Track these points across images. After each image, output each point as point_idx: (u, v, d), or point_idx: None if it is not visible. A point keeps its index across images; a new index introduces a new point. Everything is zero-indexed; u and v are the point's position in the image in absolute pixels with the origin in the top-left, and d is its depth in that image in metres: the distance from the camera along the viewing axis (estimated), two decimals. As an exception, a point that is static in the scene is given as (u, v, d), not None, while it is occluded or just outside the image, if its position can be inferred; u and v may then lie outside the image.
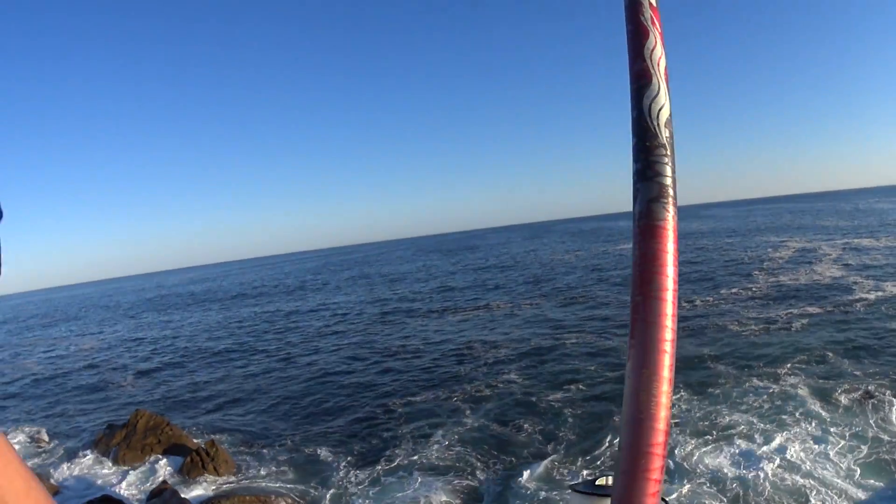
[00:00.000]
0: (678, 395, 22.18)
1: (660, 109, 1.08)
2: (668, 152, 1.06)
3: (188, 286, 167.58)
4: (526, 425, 21.97)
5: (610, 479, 1.41)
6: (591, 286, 54.13)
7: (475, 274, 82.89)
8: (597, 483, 1.43)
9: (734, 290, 42.38)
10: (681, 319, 33.81)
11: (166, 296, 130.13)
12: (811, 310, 33.38)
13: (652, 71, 1.10)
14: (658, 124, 1.07)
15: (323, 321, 54.14)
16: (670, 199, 1.05)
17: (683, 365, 24.98)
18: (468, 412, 24.00)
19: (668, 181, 1.06)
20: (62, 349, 58.59)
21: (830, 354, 25.16)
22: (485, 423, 22.63)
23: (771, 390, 21.82)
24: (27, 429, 28.57)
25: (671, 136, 1.08)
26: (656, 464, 0.98)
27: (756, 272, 50.05)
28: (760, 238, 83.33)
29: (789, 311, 33.86)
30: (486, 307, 49.77)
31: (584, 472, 17.20)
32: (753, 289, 42.20)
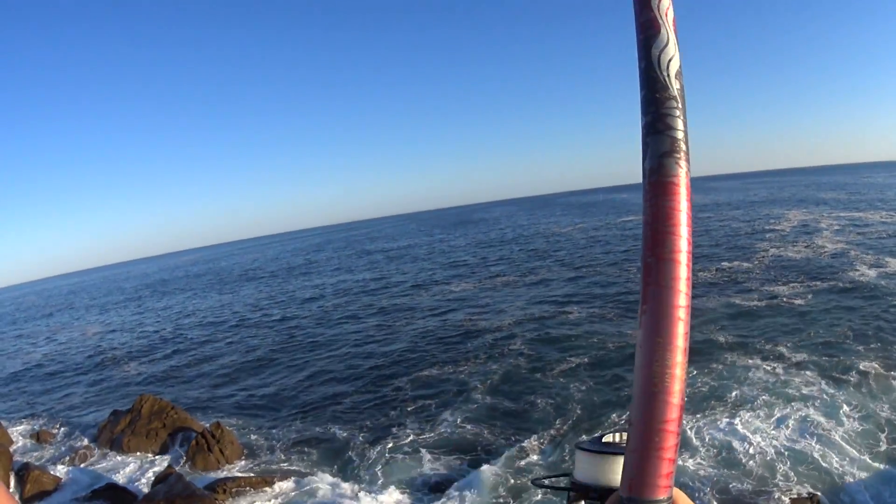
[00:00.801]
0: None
1: (669, 60, 1.02)
2: (680, 105, 1.00)
3: (191, 268, 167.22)
4: (533, 399, 21.99)
5: (617, 436, 1.36)
6: (594, 259, 53.99)
7: (478, 247, 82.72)
8: (603, 440, 1.38)
9: (735, 263, 42.25)
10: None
11: (168, 279, 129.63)
12: (813, 284, 33.16)
13: (660, 21, 1.03)
14: (668, 76, 1.00)
15: (326, 299, 54.03)
16: (683, 154, 1.00)
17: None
18: (475, 386, 24.02)
19: (681, 135, 1.00)
20: (65, 338, 58.53)
21: (833, 329, 25.03)
22: (491, 398, 22.68)
23: (774, 367, 21.71)
24: (30, 420, 28.56)
25: (682, 89, 1.02)
26: (670, 442, 0.92)
27: (757, 244, 49.79)
28: (762, 211, 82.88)
29: (791, 284, 33.67)
30: (489, 281, 49.75)
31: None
32: (755, 262, 41.92)
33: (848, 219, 60.96)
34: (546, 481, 1.51)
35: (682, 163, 1.00)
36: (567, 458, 17.08)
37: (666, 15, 1.04)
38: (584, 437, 1.46)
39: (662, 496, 0.94)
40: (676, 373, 0.93)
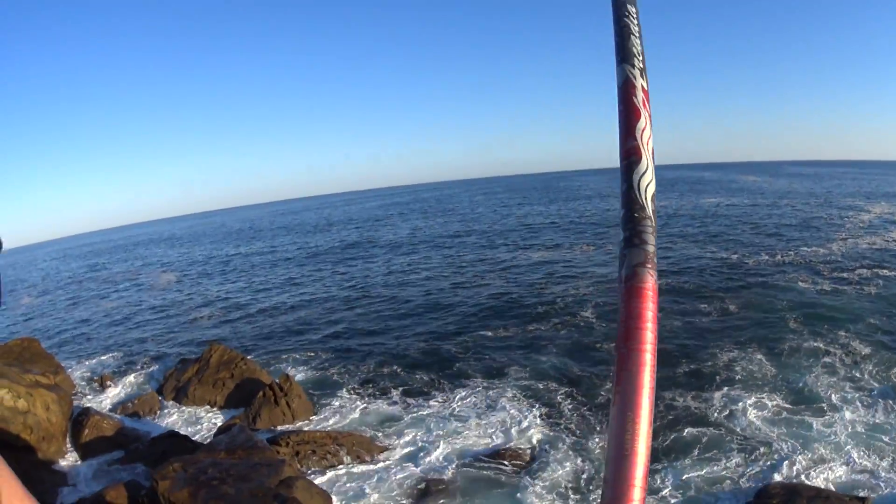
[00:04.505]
0: (745, 354, 22.27)
1: (647, 185, 1.20)
2: (652, 224, 1.19)
3: (274, 219, 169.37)
4: (599, 371, 21.95)
5: None
6: (674, 235, 52.30)
7: (561, 214, 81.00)
8: None
9: (812, 248, 40.62)
10: (754, 274, 34.65)
11: (248, 230, 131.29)
12: (887, 272, 32.12)
13: (642, 149, 1.22)
14: (645, 198, 1.19)
15: (404, 256, 54.17)
16: (652, 265, 1.17)
17: (752, 321, 25.67)
18: (545, 349, 24.29)
19: (651, 249, 1.17)
20: (139, 284, 60.09)
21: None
22: (559, 362, 22.83)
23: (842, 357, 21.21)
24: (95, 365, 28.83)
25: (655, 210, 1.20)
26: (638, 496, 1.08)
27: (835, 233, 46.99)
28: (844, 201, 78.39)
29: (862, 273, 32.56)
30: (567, 247, 49.18)
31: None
32: (832, 249, 40.03)
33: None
34: None
35: (652, 272, 1.17)
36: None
37: (647, 144, 1.24)
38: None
39: None
40: (643, 440, 1.08)
